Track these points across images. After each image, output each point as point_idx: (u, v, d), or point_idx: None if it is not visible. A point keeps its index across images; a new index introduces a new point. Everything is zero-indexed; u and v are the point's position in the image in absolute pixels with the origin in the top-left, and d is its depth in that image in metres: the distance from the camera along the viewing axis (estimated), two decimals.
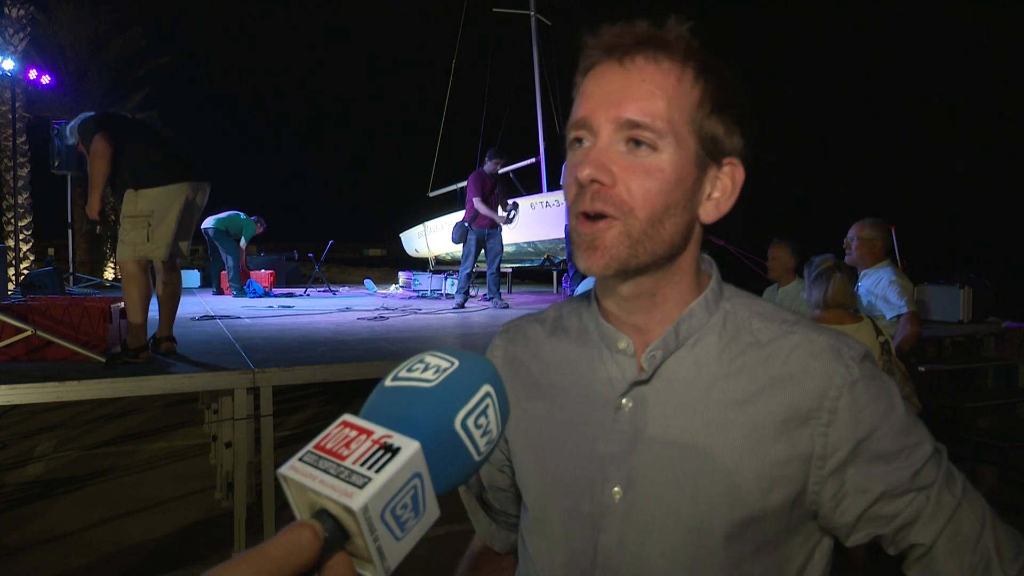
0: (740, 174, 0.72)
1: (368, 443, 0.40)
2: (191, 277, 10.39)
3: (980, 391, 4.63)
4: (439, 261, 12.84)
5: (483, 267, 7.09)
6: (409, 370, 0.46)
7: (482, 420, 0.45)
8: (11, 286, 7.85)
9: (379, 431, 0.41)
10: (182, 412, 5.92)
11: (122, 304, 3.61)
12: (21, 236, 12.99)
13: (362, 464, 0.39)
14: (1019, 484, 4.09)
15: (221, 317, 5.84)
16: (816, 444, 0.67)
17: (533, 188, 11.23)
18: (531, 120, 12.08)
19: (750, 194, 0.73)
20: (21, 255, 12.58)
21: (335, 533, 0.38)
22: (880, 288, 3.46)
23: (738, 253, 5.89)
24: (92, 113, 3.64)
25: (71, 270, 9.45)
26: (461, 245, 6.95)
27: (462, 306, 6.82)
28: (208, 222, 8.30)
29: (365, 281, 10.75)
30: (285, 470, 0.39)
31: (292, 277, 11.74)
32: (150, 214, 3.41)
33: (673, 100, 0.66)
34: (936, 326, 4.46)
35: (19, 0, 13.22)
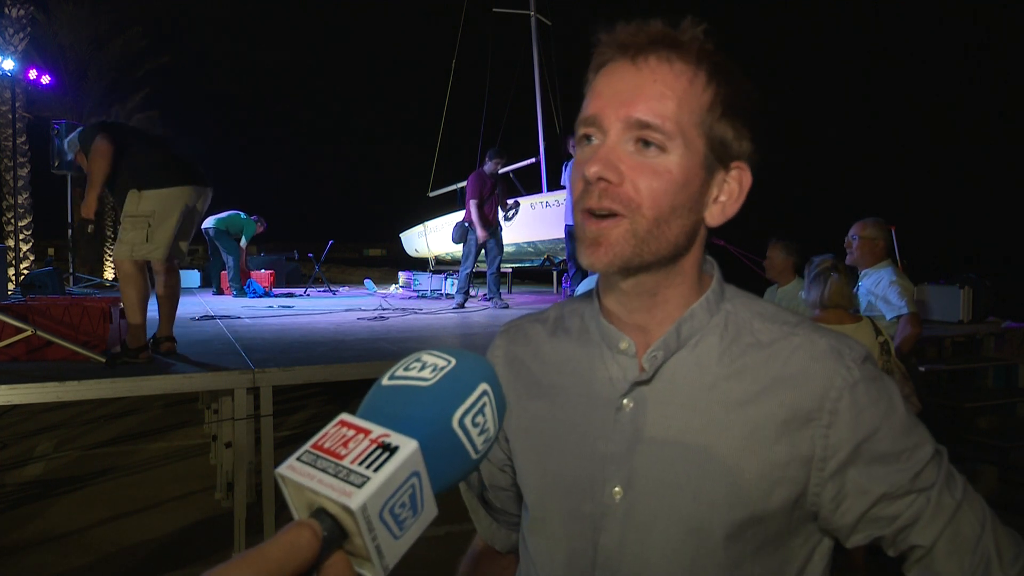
0: (747, 179, 0.72)
1: (366, 442, 0.40)
2: (191, 277, 10.38)
3: (980, 391, 4.63)
4: (439, 261, 12.84)
5: (483, 267, 7.08)
6: (406, 369, 0.46)
7: (479, 419, 0.45)
8: (11, 286, 7.85)
9: (377, 430, 0.41)
10: (182, 412, 5.92)
11: (122, 304, 3.61)
12: (21, 236, 13.00)
13: (360, 463, 0.39)
14: (1019, 484, 4.09)
15: (221, 317, 5.84)
16: (817, 445, 0.67)
17: (533, 188, 11.23)
18: (531, 120, 12.08)
19: (750, 193, 0.73)
20: (21, 255, 12.58)
21: (334, 532, 0.38)
22: (880, 288, 3.45)
23: (738, 253, 5.89)
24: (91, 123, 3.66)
25: (71, 270, 9.45)
26: (461, 245, 6.94)
27: (462, 306, 6.82)
28: (208, 222, 8.30)
29: (365, 281, 10.74)
30: (283, 470, 0.39)
31: (292, 277, 11.74)
32: (151, 215, 3.41)
33: (684, 102, 0.66)
34: (936, 326, 4.46)
35: (19, 0, 13.23)
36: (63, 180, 9.75)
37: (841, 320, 2.65)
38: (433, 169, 14.63)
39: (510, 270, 10.32)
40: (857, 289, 3.54)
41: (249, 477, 3.31)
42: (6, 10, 13.07)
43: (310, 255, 10.15)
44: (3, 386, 2.78)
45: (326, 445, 0.40)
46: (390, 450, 0.39)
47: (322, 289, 9.97)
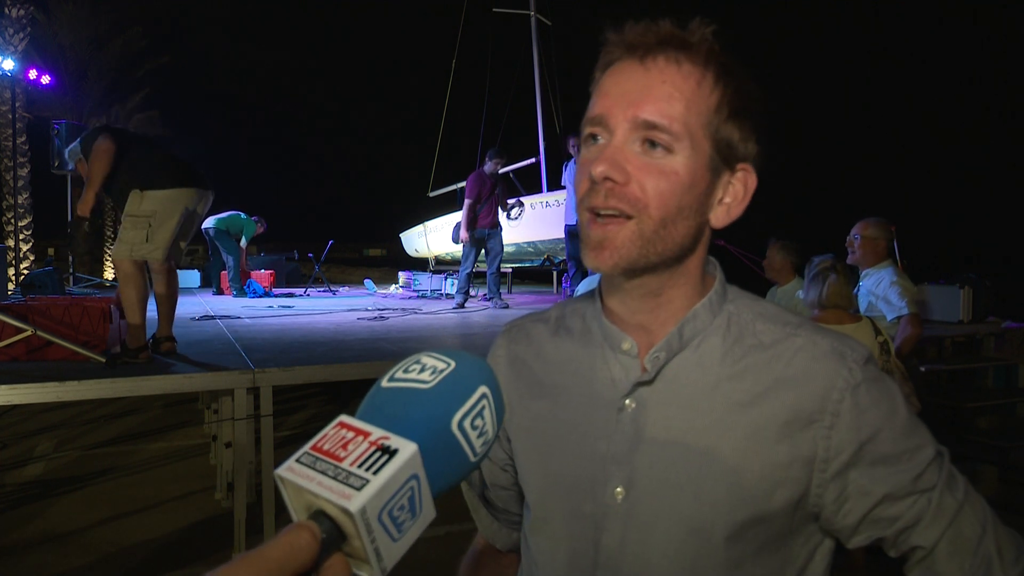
0: (753, 180, 0.72)
1: (365, 444, 0.40)
2: (191, 277, 10.39)
3: (980, 391, 4.63)
4: (439, 261, 12.84)
5: (483, 267, 7.08)
6: (406, 371, 0.46)
7: (478, 421, 0.45)
8: (11, 286, 7.85)
9: (376, 432, 0.41)
10: (182, 412, 5.92)
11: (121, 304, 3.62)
12: (21, 236, 13.00)
13: (360, 466, 0.39)
14: (1019, 484, 4.09)
15: (221, 317, 5.84)
16: (819, 447, 0.67)
17: (533, 188, 11.23)
18: (531, 120, 12.08)
19: (752, 194, 0.73)
20: (21, 255, 12.59)
21: (332, 534, 0.38)
22: (881, 289, 3.44)
23: (738, 253, 5.89)
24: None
25: (71, 270, 9.45)
26: (461, 245, 6.94)
27: (462, 306, 6.82)
28: (208, 222, 8.30)
29: (365, 281, 10.75)
30: (282, 471, 0.39)
31: (292, 277, 11.74)
32: (152, 215, 3.42)
33: (691, 103, 0.66)
34: (936, 326, 4.46)
35: (19, 0, 13.23)
36: (63, 180, 9.76)
37: (840, 320, 2.64)
38: (433, 169, 14.64)
39: (510, 270, 10.32)
40: (858, 289, 3.53)
41: (249, 477, 3.31)
42: (6, 10, 13.07)
43: (310, 255, 10.16)
44: (3, 386, 2.78)
45: (325, 447, 0.40)
46: (389, 452, 0.39)
47: (322, 289, 9.97)
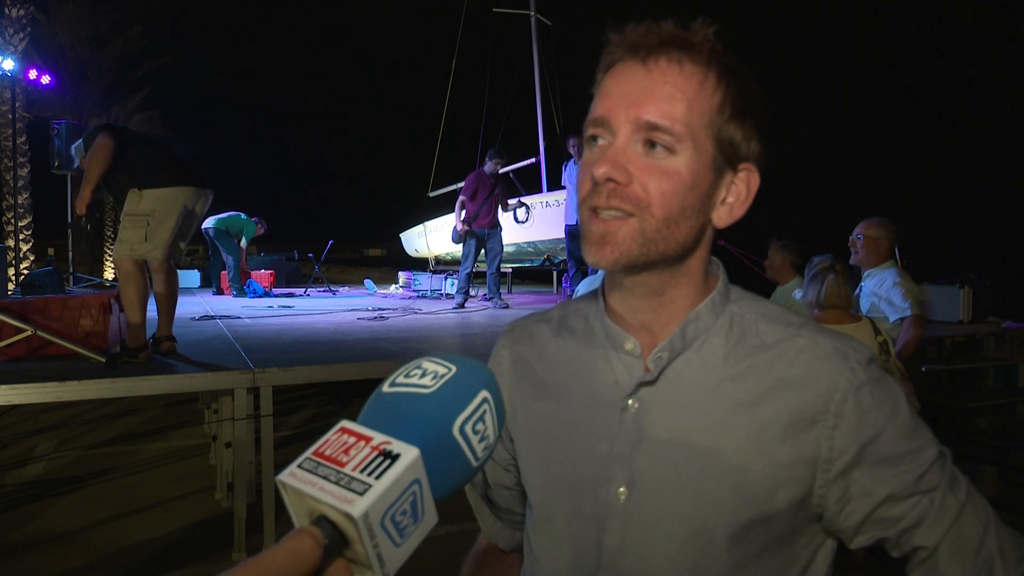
0: (755, 180, 0.72)
1: (367, 449, 0.40)
2: (191, 277, 10.39)
3: (980, 391, 4.63)
4: (439, 261, 12.84)
5: (483, 267, 7.08)
6: (407, 376, 0.46)
7: (480, 426, 0.45)
8: (11, 286, 7.85)
9: (378, 437, 0.41)
10: (182, 412, 5.92)
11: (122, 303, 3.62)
12: (21, 236, 13.00)
13: (362, 471, 0.39)
14: (1019, 484, 4.09)
15: (221, 317, 5.84)
16: (822, 447, 0.67)
17: (533, 188, 11.24)
18: (531, 120, 12.09)
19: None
20: (21, 255, 12.58)
21: (335, 539, 0.38)
22: (884, 290, 3.41)
23: (739, 253, 5.89)
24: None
25: (71, 270, 9.45)
26: (461, 245, 6.94)
27: (462, 306, 6.82)
28: (209, 222, 8.31)
29: (365, 281, 10.75)
30: (284, 477, 0.39)
31: (292, 277, 11.74)
32: (150, 214, 3.42)
33: (693, 104, 0.66)
34: (936, 326, 4.46)
35: (19, 0, 13.22)
36: (63, 180, 9.76)
37: (840, 320, 2.64)
38: (433, 169, 14.65)
39: (510, 270, 10.32)
40: (860, 290, 3.52)
41: (249, 477, 3.31)
42: (6, 10, 13.08)
43: (310, 255, 10.16)
44: (3, 386, 2.78)
45: (327, 452, 0.40)
46: (391, 457, 0.39)
47: (322, 289, 9.98)
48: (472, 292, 7.43)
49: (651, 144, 0.66)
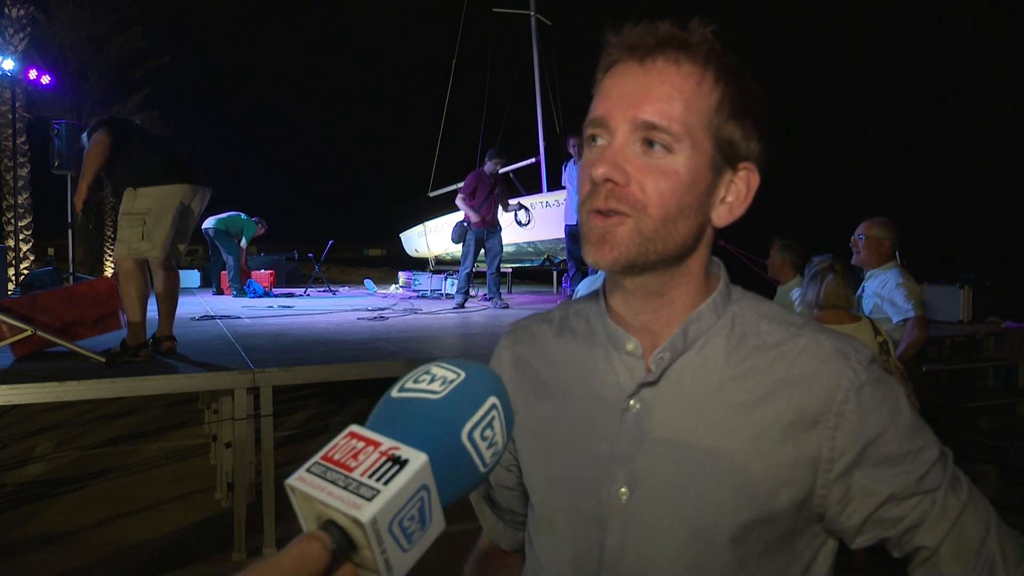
0: (755, 179, 0.72)
1: (376, 455, 0.40)
2: (191, 277, 10.39)
3: (980, 391, 4.63)
4: (439, 261, 12.84)
5: (483, 267, 7.08)
6: (416, 381, 0.46)
7: (488, 432, 0.45)
8: (11, 286, 7.85)
9: (387, 443, 0.41)
10: (182, 412, 5.91)
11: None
12: (21, 236, 13.00)
13: (370, 476, 0.39)
14: (1019, 484, 4.09)
15: (221, 317, 5.84)
16: (823, 447, 0.67)
17: (533, 188, 11.24)
18: (531, 120, 12.08)
19: (755, 194, 0.73)
20: (21, 255, 12.59)
21: (343, 544, 0.38)
22: (887, 290, 3.39)
23: (739, 253, 5.89)
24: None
25: (71, 270, 9.44)
26: (460, 245, 6.95)
27: (462, 306, 6.82)
28: (209, 222, 8.31)
29: (365, 281, 10.75)
30: (293, 481, 0.39)
31: (292, 277, 11.74)
32: (146, 212, 3.43)
33: (691, 103, 0.66)
34: (936, 326, 4.45)
35: (19, 0, 13.23)
36: (63, 180, 9.74)
37: (840, 320, 2.64)
38: (433, 169, 14.64)
39: (510, 270, 10.32)
40: (862, 291, 3.52)
41: (249, 477, 3.31)
42: (6, 10, 13.08)
43: (310, 255, 10.16)
44: (3, 386, 2.78)
45: (336, 457, 0.40)
46: (400, 463, 0.39)
47: (322, 289, 9.97)
48: (472, 292, 7.43)
49: (649, 143, 0.66)
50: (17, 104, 12.48)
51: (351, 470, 0.39)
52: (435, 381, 0.46)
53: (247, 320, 5.71)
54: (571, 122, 11.82)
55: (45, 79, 12.07)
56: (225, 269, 8.58)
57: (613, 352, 0.75)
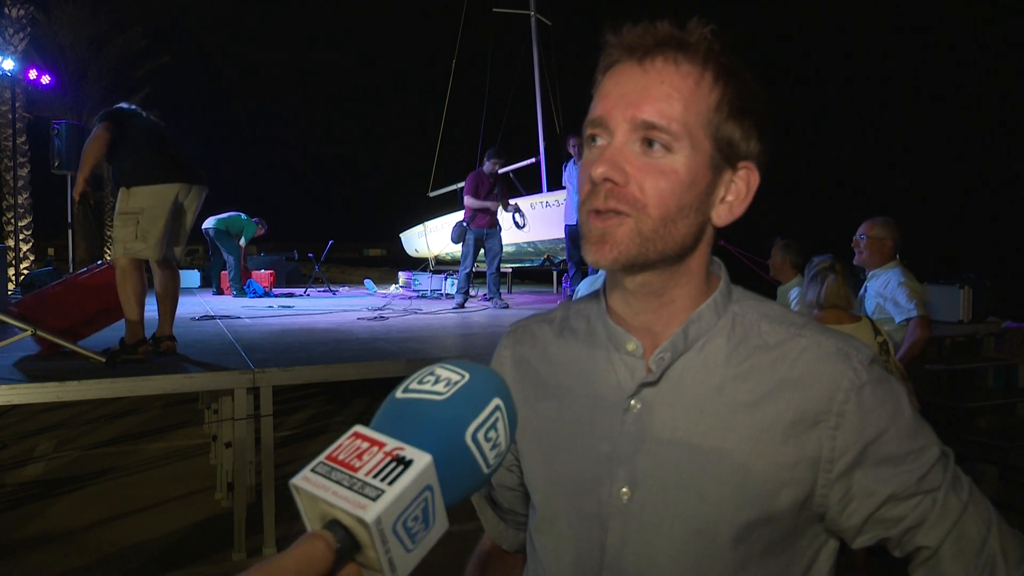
0: (755, 179, 0.72)
1: (380, 455, 0.40)
2: (191, 277, 10.39)
3: (980, 391, 4.63)
4: (439, 261, 12.84)
5: (483, 267, 7.08)
6: (420, 382, 0.47)
7: (492, 434, 0.45)
8: (11, 286, 7.85)
9: (391, 443, 0.41)
10: (182, 412, 5.91)
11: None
12: (21, 236, 13.00)
13: (375, 476, 0.39)
14: (1019, 484, 4.09)
15: (221, 317, 5.84)
16: (824, 447, 0.67)
17: (533, 188, 11.24)
18: (531, 120, 12.08)
19: (755, 193, 0.73)
20: (21, 255, 12.59)
21: (347, 544, 0.38)
22: (889, 290, 3.39)
23: (739, 253, 5.89)
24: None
25: (71, 269, 9.45)
26: (460, 245, 6.95)
27: (462, 306, 6.82)
28: (209, 222, 8.32)
29: (365, 281, 10.75)
30: (297, 481, 0.40)
31: (292, 277, 11.75)
32: (140, 211, 3.43)
33: (690, 103, 0.66)
34: (936, 326, 4.45)
35: (19, 0, 13.23)
36: (63, 180, 9.76)
37: (840, 320, 2.64)
38: (433, 169, 14.65)
39: (510, 270, 10.32)
40: (864, 291, 3.52)
41: (249, 477, 3.31)
42: (6, 10, 13.08)
43: (310, 255, 10.16)
44: (3, 386, 2.78)
45: (340, 457, 0.41)
46: (404, 463, 0.40)
47: (322, 289, 9.98)
48: (472, 292, 7.43)
49: (648, 143, 0.66)
50: (17, 104, 12.49)
51: (356, 470, 0.39)
52: (439, 382, 0.46)
53: (247, 320, 5.71)
54: (571, 122, 11.83)
55: (45, 79, 12.09)
56: (225, 269, 8.58)
57: (614, 352, 0.75)
